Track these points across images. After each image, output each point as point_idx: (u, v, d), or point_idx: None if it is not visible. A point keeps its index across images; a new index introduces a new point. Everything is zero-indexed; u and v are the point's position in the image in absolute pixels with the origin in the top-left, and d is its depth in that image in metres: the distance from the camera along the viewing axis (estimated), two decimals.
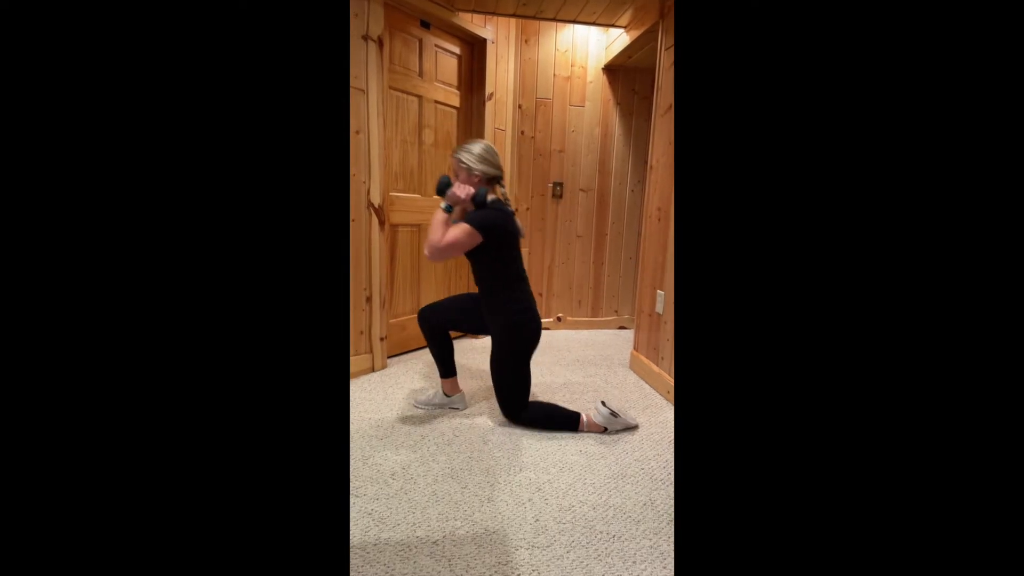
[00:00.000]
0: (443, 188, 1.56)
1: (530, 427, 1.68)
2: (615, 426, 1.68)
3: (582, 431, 1.67)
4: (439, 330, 1.74)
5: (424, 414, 1.78)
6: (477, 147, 1.59)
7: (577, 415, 1.67)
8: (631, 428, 1.72)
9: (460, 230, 1.48)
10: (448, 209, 1.53)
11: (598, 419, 1.66)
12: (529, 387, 1.67)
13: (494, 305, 1.62)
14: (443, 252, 1.47)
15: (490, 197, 1.58)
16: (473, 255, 1.57)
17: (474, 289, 2.74)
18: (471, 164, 1.57)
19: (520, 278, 1.62)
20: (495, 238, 1.52)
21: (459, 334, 2.84)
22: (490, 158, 1.59)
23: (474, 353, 2.55)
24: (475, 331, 1.74)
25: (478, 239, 1.49)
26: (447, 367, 1.79)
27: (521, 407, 1.66)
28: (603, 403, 1.68)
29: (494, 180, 1.62)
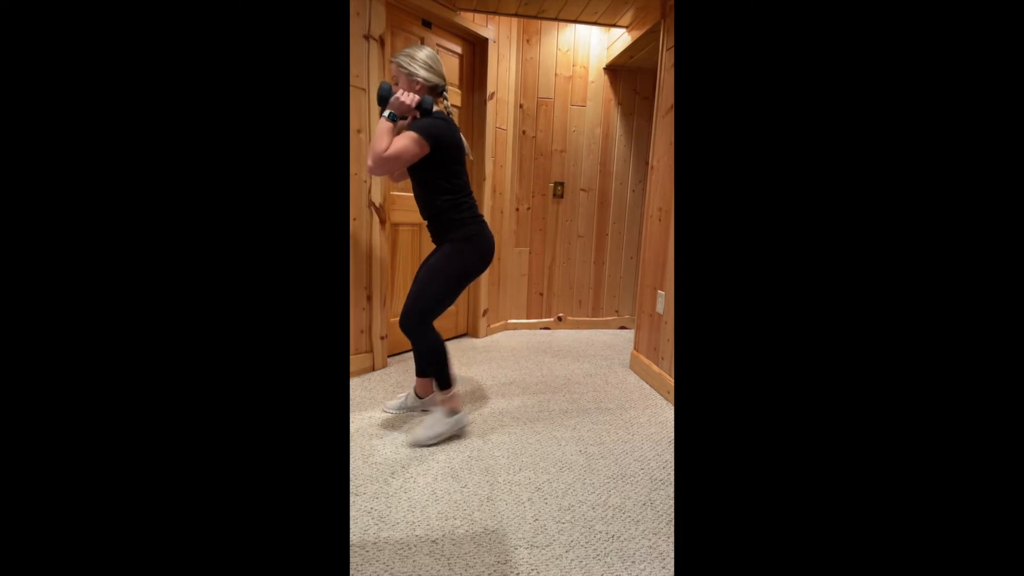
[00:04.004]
0: (384, 95, 1.45)
1: (417, 348, 1.57)
2: (439, 428, 1.56)
3: (444, 394, 1.59)
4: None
5: (423, 414, 1.78)
6: (421, 53, 1.48)
7: (450, 383, 1.58)
8: (453, 429, 1.60)
9: (407, 139, 1.39)
10: (392, 118, 1.42)
11: (439, 399, 1.59)
12: (445, 309, 1.56)
13: (444, 224, 1.53)
14: (388, 162, 1.38)
15: (435, 108, 1.50)
16: (417, 170, 1.49)
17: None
18: (414, 70, 1.47)
19: (468, 193, 1.55)
20: (442, 150, 1.44)
21: (460, 332, 2.84)
22: (434, 66, 1.50)
23: (474, 352, 2.55)
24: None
25: (425, 149, 1.41)
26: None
27: (425, 324, 1.52)
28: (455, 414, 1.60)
29: (437, 90, 1.52)
